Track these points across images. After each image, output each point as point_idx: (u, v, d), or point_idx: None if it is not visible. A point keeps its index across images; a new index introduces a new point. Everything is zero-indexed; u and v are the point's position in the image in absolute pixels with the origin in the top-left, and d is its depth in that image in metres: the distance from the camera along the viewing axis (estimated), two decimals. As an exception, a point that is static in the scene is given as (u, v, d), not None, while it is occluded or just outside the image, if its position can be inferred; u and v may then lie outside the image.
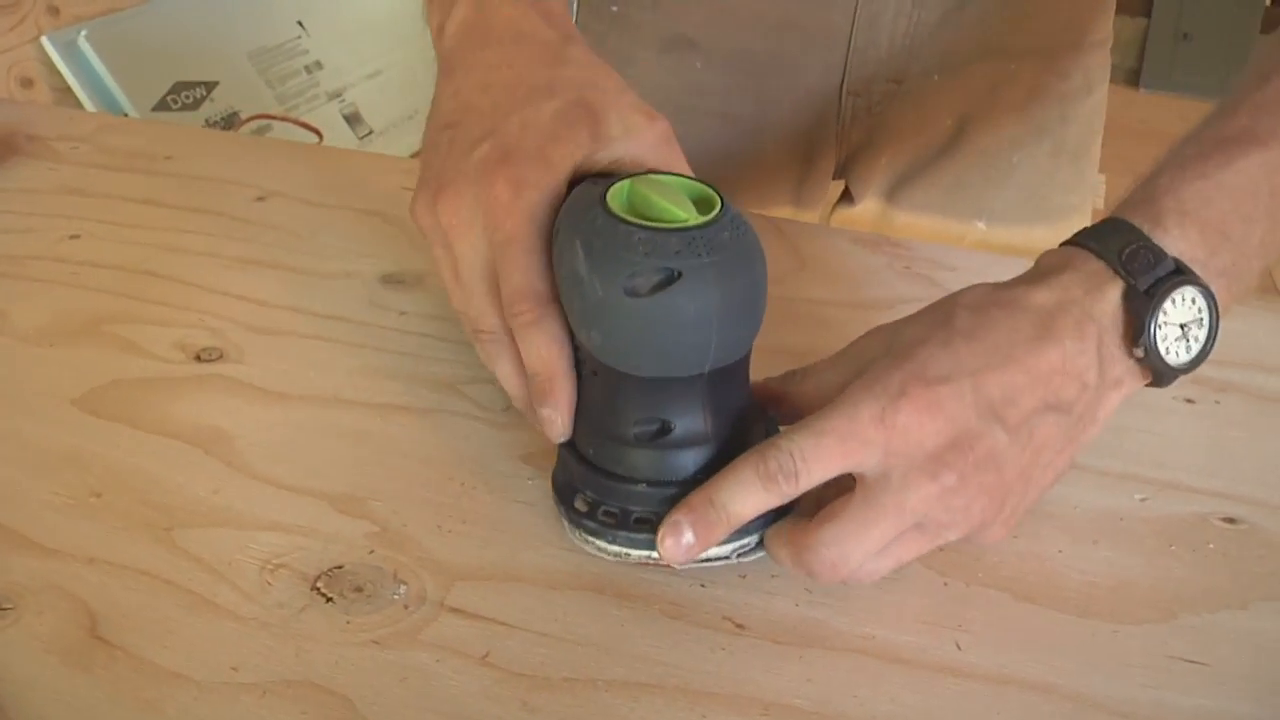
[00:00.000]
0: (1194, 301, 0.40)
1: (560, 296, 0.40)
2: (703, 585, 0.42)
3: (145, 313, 0.58)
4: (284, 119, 1.88)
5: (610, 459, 0.40)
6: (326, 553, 0.43)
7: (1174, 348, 0.40)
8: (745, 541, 0.40)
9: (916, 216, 0.80)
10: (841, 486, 0.39)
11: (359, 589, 0.41)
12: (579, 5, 0.79)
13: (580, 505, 0.41)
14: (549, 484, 0.44)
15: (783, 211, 0.80)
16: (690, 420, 0.40)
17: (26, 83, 1.62)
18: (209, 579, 0.41)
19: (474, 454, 0.48)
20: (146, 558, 0.42)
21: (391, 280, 0.60)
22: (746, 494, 0.38)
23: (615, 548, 0.41)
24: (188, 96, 1.77)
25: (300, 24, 2.02)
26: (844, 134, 0.78)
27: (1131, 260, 0.40)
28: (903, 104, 0.76)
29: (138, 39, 1.72)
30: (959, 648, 0.40)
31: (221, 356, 0.54)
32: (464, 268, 0.43)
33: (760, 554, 0.41)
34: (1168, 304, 0.40)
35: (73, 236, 0.64)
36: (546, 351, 0.41)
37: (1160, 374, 0.41)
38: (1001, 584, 0.42)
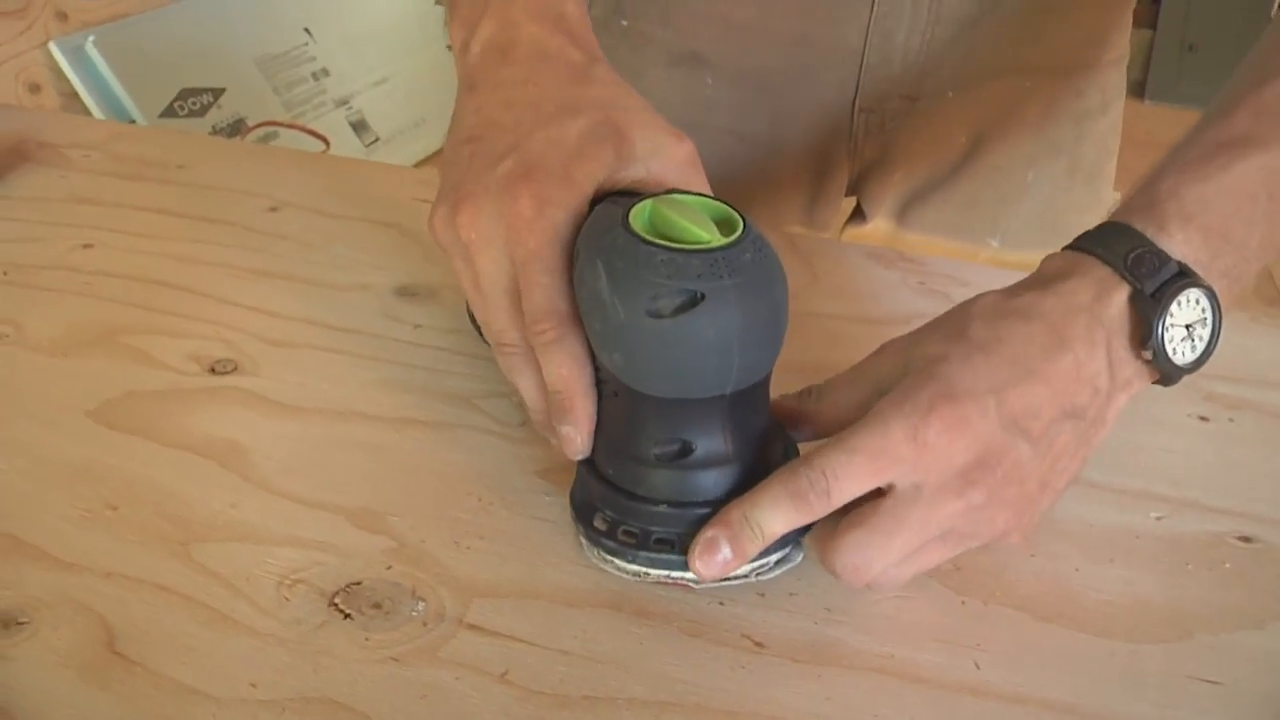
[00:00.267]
0: (1198, 302, 0.41)
1: (581, 316, 0.40)
2: (721, 603, 0.42)
3: (159, 324, 0.57)
4: (291, 126, 1.88)
5: (631, 479, 0.40)
6: (344, 568, 0.43)
7: (1180, 348, 0.41)
8: (764, 561, 0.40)
9: (929, 234, 0.79)
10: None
11: (377, 605, 0.41)
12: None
13: (599, 524, 0.41)
14: (566, 500, 0.44)
15: (794, 229, 0.79)
16: (711, 441, 0.39)
17: (34, 88, 1.63)
18: (226, 594, 0.41)
19: (490, 469, 0.48)
20: (164, 572, 0.42)
21: (406, 293, 0.60)
22: (778, 511, 0.38)
23: (634, 567, 0.41)
24: (195, 103, 1.78)
25: (307, 31, 2.03)
26: (856, 151, 0.77)
27: (1137, 265, 0.40)
28: (916, 121, 0.75)
29: (145, 45, 1.73)
30: (978, 667, 0.40)
31: (236, 369, 0.54)
32: (485, 283, 0.43)
33: (778, 573, 0.41)
34: (1174, 306, 0.40)
35: (85, 246, 0.64)
36: (567, 370, 0.41)
37: (1168, 374, 0.42)
38: (1019, 603, 0.42)
